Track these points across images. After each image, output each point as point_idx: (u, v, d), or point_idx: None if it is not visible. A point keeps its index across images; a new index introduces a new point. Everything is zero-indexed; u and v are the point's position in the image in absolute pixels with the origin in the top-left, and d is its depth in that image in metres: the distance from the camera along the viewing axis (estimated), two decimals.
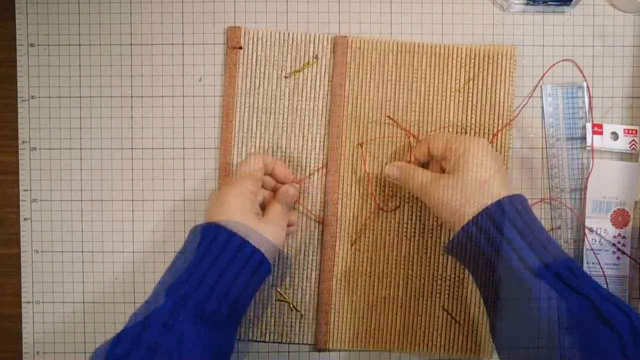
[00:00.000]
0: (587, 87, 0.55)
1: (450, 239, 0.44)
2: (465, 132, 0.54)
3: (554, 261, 0.40)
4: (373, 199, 0.54)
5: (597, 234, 0.55)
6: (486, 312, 0.47)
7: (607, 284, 0.54)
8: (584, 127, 0.55)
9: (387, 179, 0.52)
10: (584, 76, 0.55)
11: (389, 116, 0.54)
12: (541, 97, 0.55)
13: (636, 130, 0.55)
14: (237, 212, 0.46)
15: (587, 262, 0.54)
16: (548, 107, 0.55)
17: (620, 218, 0.55)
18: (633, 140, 0.55)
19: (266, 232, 0.47)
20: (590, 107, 0.55)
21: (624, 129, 0.55)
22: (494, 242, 0.41)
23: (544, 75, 0.55)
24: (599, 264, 0.54)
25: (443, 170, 0.48)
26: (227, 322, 0.44)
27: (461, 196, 0.44)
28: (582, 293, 0.39)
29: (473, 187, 0.44)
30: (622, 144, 0.55)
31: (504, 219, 0.41)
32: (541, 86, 0.55)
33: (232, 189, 0.47)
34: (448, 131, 0.54)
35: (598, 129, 0.55)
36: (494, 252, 0.41)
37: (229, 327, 0.45)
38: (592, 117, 0.55)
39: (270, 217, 0.49)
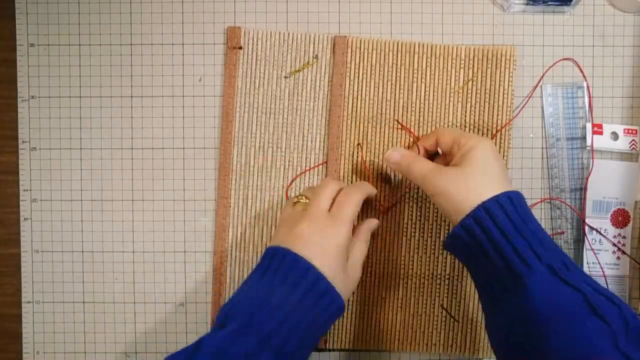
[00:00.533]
0: (587, 86, 0.55)
1: (449, 233, 0.44)
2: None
3: (547, 255, 0.41)
4: (376, 199, 0.54)
5: (597, 233, 0.55)
6: (481, 308, 0.47)
7: (607, 284, 0.54)
8: (584, 127, 0.55)
9: (386, 164, 0.50)
10: (584, 76, 0.55)
11: (397, 120, 0.54)
12: (541, 97, 0.55)
13: (636, 130, 0.55)
14: (336, 268, 0.44)
15: (587, 262, 0.54)
16: (548, 107, 0.55)
17: (620, 218, 0.55)
18: (633, 140, 0.55)
19: (350, 283, 0.46)
20: (590, 107, 0.55)
21: (624, 129, 0.55)
22: (491, 237, 0.41)
23: (543, 75, 0.55)
24: (599, 263, 0.54)
25: (447, 164, 0.48)
26: None
27: (463, 188, 0.44)
28: (575, 286, 0.39)
29: (475, 181, 0.44)
30: (622, 144, 0.55)
31: (501, 214, 0.42)
32: (541, 86, 0.55)
33: (337, 239, 0.44)
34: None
35: (598, 129, 0.55)
36: (491, 246, 0.42)
37: None
38: (592, 117, 0.55)
39: (354, 264, 0.47)
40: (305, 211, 0.46)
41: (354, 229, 0.49)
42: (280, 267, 0.43)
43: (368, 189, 0.50)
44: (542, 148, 0.56)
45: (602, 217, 0.55)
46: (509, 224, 0.42)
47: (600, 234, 0.55)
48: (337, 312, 0.44)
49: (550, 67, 0.55)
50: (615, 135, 0.55)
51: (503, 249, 0.41)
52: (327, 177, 0.54)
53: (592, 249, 0.54)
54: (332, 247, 0.44)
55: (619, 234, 0.55)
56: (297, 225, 0.45)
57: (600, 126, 0.55)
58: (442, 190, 0.44)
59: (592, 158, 0.54)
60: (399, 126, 0.54)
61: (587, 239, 0.54)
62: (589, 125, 0.55)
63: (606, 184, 0.55)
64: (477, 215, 0.42)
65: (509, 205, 0.42)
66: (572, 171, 0.55)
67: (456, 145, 0.47)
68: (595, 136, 0.54)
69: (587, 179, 0.55)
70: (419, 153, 0.51)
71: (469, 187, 0.44)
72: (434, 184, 0.45)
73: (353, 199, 0.47)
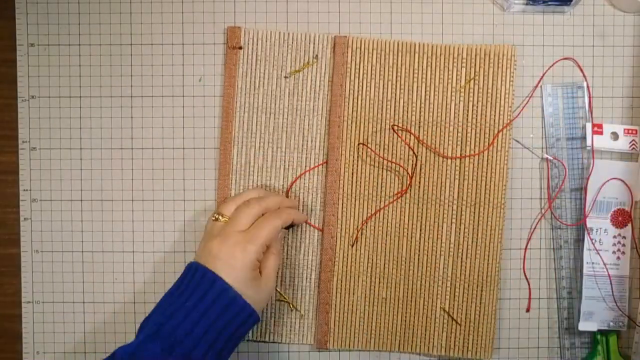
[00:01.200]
0: (587, 86, 0.55)
1: None
2: (466, 132, 0.54)
3: None
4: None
5: (597, 234, 0.55)
6: None
7: (610, 284, 0.54)
8: (584, 127, 0.55)
9: None
10: (584, 75, 0.55)
11: (394, 126, 0.54)
12: (541, 97, 0.55)
13: (636, 130, 0.55)
14: (243, 280, 0.47)
15: (587, 262, 0.54)
16: (548, 107, 0.55)
17: (620, 218, 0.55)
18: (633, 140, 0.55)
19: (262, 292, 0.48)
20: (590, 107, 0.55)
21: (624, 129, 0.55)
22: None
23: (543, 74, 0.55)
24: (602, 263, 0.54)
25: None
26: None
27: None
28: None
29: None
30: (622, 144, 0.55)
31: None
32: (541, 86, 0.55)
33: (245, 257, 0.47)
34: (448, 130, 0.54)
35: (598, 129, 0.55)
36: None
37: None
38: (592, 117, 0.55)
39: (267, 276, 0.49)
40: (221, 229, 0.49)
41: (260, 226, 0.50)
42: (192, 280, 0.47)
43: (291, 218, 0.51)
44: (542, 148, 0.56)
45: (602, 217, 0.55)
46: None
47: (600, 235, 0.55)
48: (249, 318, 0.47)
49: (551, 66, 0.55)
50: (615, 136, 0.55)
51: None
52: (253, 189, 0.54)
53: (594, 249, 0.54)
54: (239, 262, 0.47)
55: (619, 234, 0.55)
56: (211, 242, 0.48)
57: (600, 126, 0.55)
58: None
59: (592, 158, 0.54)
60: (399, 129, 0.54)
61: (587, 239, 0.54)
62: (588, 125, 0.54)
63: (606, 184, 0.55)
64: None
65: None
66: (572, 171, 0.55)
67: None
68: (595, 136, 0.54)
69: (587, 179, 0.54)
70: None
71: None
72: None
73: (271, 225, 0.49)
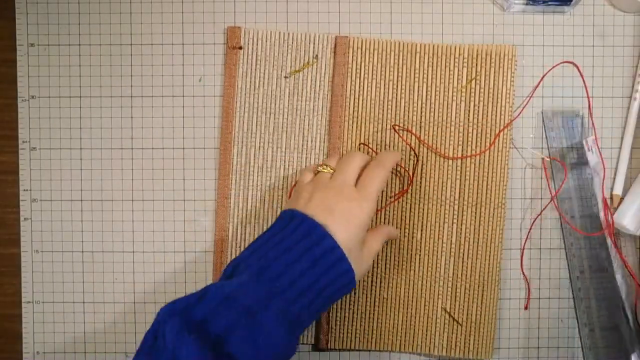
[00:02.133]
0: (587, 95, 0.55)
1: None
2: (467, 132, 0.54)
3: None
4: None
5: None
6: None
7: None
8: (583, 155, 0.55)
9: None
10: (583, 79, 0.55)
11: (395, 126, 0.54)
12: (543, 126, 0.55)
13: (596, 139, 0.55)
14: (354, 242, 0.44)
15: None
16: (550, 132, 0.55)
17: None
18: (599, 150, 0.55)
19: (362, 264, 0.46)
20: (590, 111, 0.55)
21: (591, 140, 0.55)
22: None
23: (544, 76, 0.55)
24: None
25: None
26: (299, 329, 0.43)
27: None
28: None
29: None
30: (595, 156, 0.55)
31: None
32: (542, 112, 0.55)
33: (362, 214, 0.44)
34: (449, 130, 0.54)
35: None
36: None
37: (299, 332, 0.43)
38: (594, 127, 0.55)
39: (370, 249, 0.47)
40: (330, 180, 0.46)
41: (376, 225, 0.50)
42: (298, 230, 0.43)
43: (393, 160, 0.49)
44: (542, 148, 0.56)
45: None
46: None
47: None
48: (349, 284, 0.44)
49: (551, 69, 0.55)
50: (590, 149, 0.55)
51: None
52: (354, 151, 0.53)
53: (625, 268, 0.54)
54: (354, 220, 0.44)
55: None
56: (322, 193, 0.45)
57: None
58: None
59: (603, 170, 0.54)
60: (400, 129, 0.54)
61: (619, 258, 0.54)
62: (589, 146, 0.54)
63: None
64: None
65: None
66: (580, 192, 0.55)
67: None
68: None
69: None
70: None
71: None
72: None
73: (379, 175, 0.46)
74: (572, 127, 0.55)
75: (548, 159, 0.55)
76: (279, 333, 0.40)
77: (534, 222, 0.55)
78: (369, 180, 0.46)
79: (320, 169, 0.48)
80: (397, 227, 0.55)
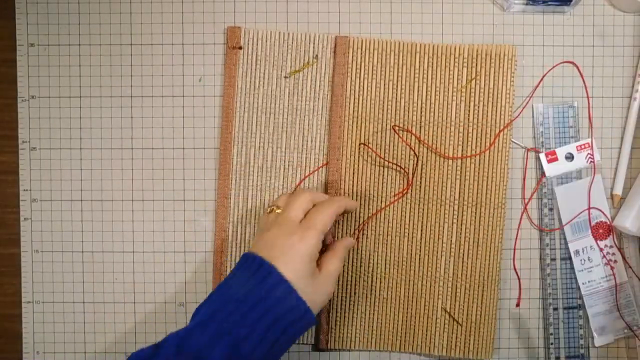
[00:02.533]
0: (587, 95, 0.55)
1: None
2: (467, 132, 0.54)
3: None
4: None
5: (584, 253, 0.55)
6: None
7: (616, 296, 0.54)
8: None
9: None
10: (583, 79, 0.55)
11: (394, 126, 0.54)
12: (532, 117, 0.55)
13: (589, 144, 0.55)
14: (301, 273, 0.44)
15: (583, 283, 0.55)
16: (539, 126, 0.55)
17: (600, 230, 0.55)
18: (589, 153, 0.55)
19: (319, 291, 0.46)
20: (591, 122, 0.55)
21: (577, 147, 0.55)
22: None
23: (544, 76, 0.55)
24: (598, 279, 0.55)
25: None
26: None
27: None
28: None
29: None
30: (579, 161, 0.55)
31: None
32: (532, 105, 0.55)
33: (303, 245, 0.45)
34: (450, 129, 0.54)
35: (552, 156, 0.54)
36: None
37: None
38: (591, 128, 0.55)
39: (327, 275, 0.47)
40: (274, 218, 0.48)
41: (330, 245, 0.50)
42: (248, 270, 0.45)
43: (343, 204, 0.50)
44: (542, 144, 0.56)
45: (583, 237, 0.55)
46: None
47: (587, 253, 0.55)
48: (304, 317, 0.44)
49: (552, 68, 0.55)
50: (570, 155, 0.55)
51: None
52: (300, 189, 0.54)
53: (583, 270, 0.54)
54: (296, 251, 0.45)
55: (605, 245, 0.55)
56: (266, 232, 0.47)
57: (553, 153, 0.54)
58: None
59: (553, 187, 0.55)
60: (400, 129, 0.54)
61: (575, 261, 0.55)
62: (542, 157, 0.54)
63: (576, 204, 0.55)
64: None
65: None
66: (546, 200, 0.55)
67: None
68: (551, 165, 0.54)
69: (554, 208, 0.55)
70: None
71: None
72: None
73: (325, 211, 0.47)
74: (565, 118, 0.55)
75: (533, 151, 0.55)
76: None
77: (519, 224, 0.55)
78: (314, 212, 0.48)
79: (269, 209, 0.50)
80: (393, 228, 0.55)
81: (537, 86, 0.55)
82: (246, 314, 0.42)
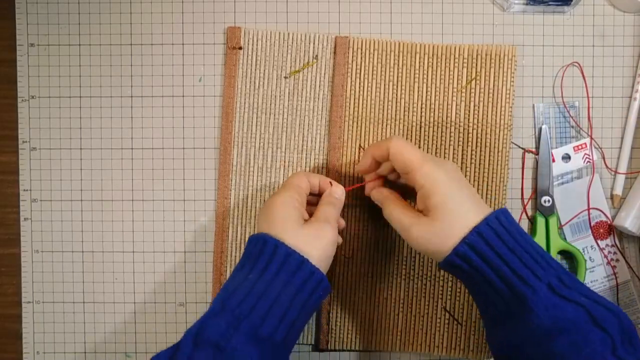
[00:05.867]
0: (588, 96, 0.55)
1: (442, 261, 0.44)
2: (467, 132, 0.54)
3: (544, 272, 0.41)
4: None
5: (585, 253, 0.55)
6: (483, 323, 0.48)
7: (617, 296, 0.54)
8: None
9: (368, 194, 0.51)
10: (584, 79, 0.55)
11: (361, 146, 0.54)
12: (533, 117, 0.55)
13: (586, 144, 0.55)
14: (282, 222, 0.44)
15: (586, 283, 0.55)
16: (539, 126, 0.55)
17: (601, 230, 0.55)
18: (586, 154, 0.55)
19: (319, 240, 0.44)
20: (590, 122, 0.55)
21: (574, 147, 0.55)
22: (489, 260, 0.41)
23: (556, 77, 0.55)
24: (601, 279, 0.54)
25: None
26: (282, 346, 0.42)
27: (446, 229, 0.43)
28: (575, 301, 0.40)
29: (454, 218, 0.43)
30: (577, 162, 0.55)
31: (493, 236, 0.41)
32: (533, 105, 0.55)
33: (276, 198, 0.46)
34: (450, 130, 0.54)
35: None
36: (489, 270, 0.42)
37: (284, 350, 0.43)
38: (590, 127, 0.55)
39: (321, 220, 0.46)
40: None
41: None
42: (253, 251, 0.44)
43: (315, 177, 0.49)
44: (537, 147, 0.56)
45: (584, 236, 0.55)
46: (503, 246, 0.41)
47: (589, 253, 0.55)
48: (311, 278, 0.43)
49: (561, 70, 0.55)
50: (567, 156, 0.55)
51: (502, 271, 0.41)
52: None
53: (586, 269, 0.54)
54: (272, 203, 0.45)
55: (606, 245, 0.55)
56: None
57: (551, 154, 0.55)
58: (425, 240, 0.44)
59: (552, 186, 0.55)
60: (392, 122, 0.54)
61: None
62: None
63: (575, 205, 0.55)
64: (470, 240, 0.42)
65: (498, 226, 0.42)
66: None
67: (412, 177, 0.45)
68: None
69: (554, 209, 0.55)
70: (369, 164, 0.49)
71: (452, 225, 0.43)
72: (416, 236, 0.44)
73: (300, 174, 0.48)
74: (565, 118, 0.55)
75: (529, 152, 0.55)
76: (252, 358, 0.40)
77: (520, 219, 0.56)
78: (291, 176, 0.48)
79: None
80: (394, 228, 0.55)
81: (537, 86, 0.55)
82: (260, 296, 0.41)
